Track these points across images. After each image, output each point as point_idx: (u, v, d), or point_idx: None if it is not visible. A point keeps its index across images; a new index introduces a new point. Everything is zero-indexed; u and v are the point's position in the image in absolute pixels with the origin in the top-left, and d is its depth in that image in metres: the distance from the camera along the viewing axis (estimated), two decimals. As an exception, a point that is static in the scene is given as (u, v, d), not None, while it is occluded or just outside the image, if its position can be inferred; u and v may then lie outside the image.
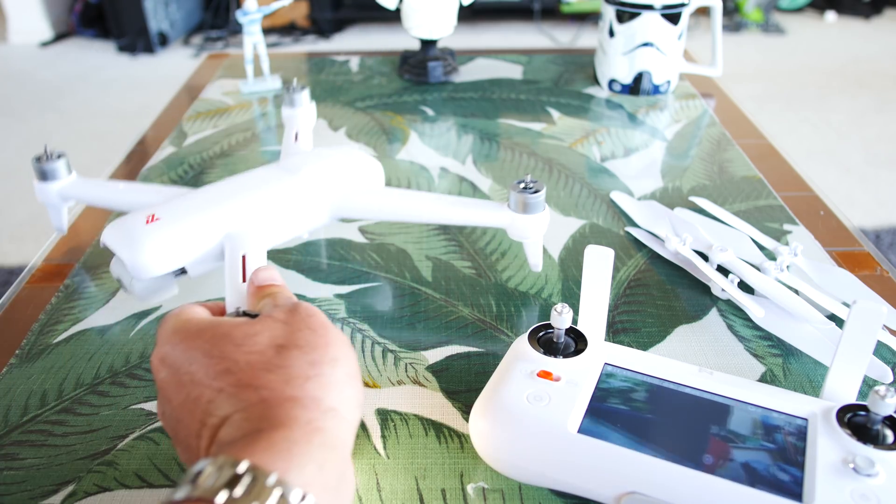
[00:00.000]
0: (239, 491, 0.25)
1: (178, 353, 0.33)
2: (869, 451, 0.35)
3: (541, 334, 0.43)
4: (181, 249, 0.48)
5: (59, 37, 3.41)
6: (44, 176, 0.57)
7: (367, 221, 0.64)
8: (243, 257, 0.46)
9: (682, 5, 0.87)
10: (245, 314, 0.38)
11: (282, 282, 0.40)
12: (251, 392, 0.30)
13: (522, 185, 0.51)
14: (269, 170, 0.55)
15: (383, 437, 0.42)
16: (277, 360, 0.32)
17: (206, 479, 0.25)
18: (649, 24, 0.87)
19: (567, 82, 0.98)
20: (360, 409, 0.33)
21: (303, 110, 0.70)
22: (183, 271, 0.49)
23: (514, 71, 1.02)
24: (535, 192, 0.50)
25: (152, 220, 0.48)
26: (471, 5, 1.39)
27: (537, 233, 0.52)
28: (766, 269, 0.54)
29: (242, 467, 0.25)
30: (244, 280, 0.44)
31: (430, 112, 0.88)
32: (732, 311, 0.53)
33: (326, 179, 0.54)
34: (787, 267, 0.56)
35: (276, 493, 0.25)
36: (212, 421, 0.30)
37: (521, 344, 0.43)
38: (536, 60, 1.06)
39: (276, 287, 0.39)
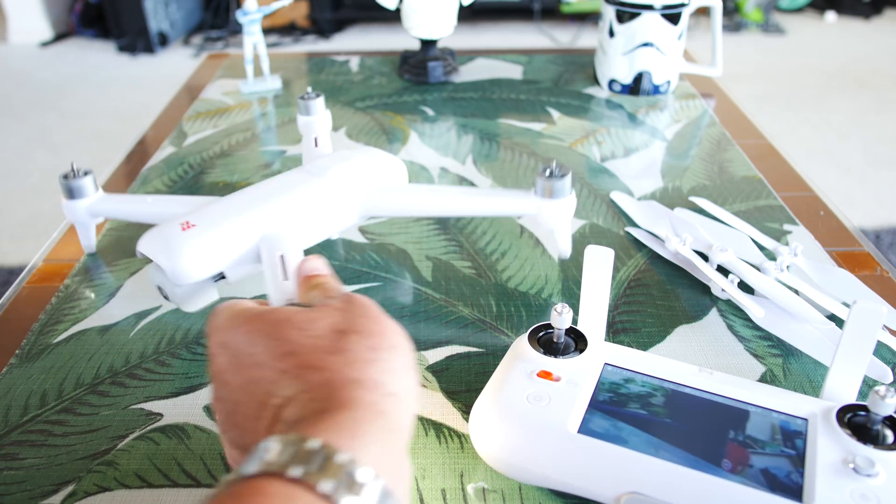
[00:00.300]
0: (313, 467, 0.25)
1: (239, 336, 0.34)
2: (869, 451, 0.35)
3: (541, 334, 0.43)
4: (219, 254, 0.48)
5: (59, 37, 3.41)
6: (72, 194, 0.57)
7: (384, 219, 0.64)
8: (281, 256, 0.46)
9: (682, 5, 0.87)
10: (296, 306, 0.38)
11: (328, 271, 0.40)
12: (315, 373, 0.31)
13: (548, 172, 0.52)
14: (296, 174, 0.55)
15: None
16: (339, 343, 0.32)
17: (278, 455, 0.25)
18: (649, 24, 0.87)
19: (567, 82, 0.98)
20: (416, 399, 0.33)
21: (318, 118, 0.69)
22: (222, 276, 0.50)
23: (514, 71, 1.02)
24: (561, 176, 0.52)
25: (188, 226, 0.48)
26: (471, 5, 1.38)
27: (565, 217, 0.54)
28: (766, 269, 0.54)
29: (314, 444, 0.25)
30: (286, 278, 0.44)
31: (430, 112, 0.88)
32: (732, 311, 0.53)
33: (353, 180, 0.55)
34: (787, 267, 0.56)
35: (346, 470, 0.25)
36: (274, 401, 0.31)
37: (521, 344, 0.43)
38: (536, 60, 1.06)
39: (323, 277, 0.39)
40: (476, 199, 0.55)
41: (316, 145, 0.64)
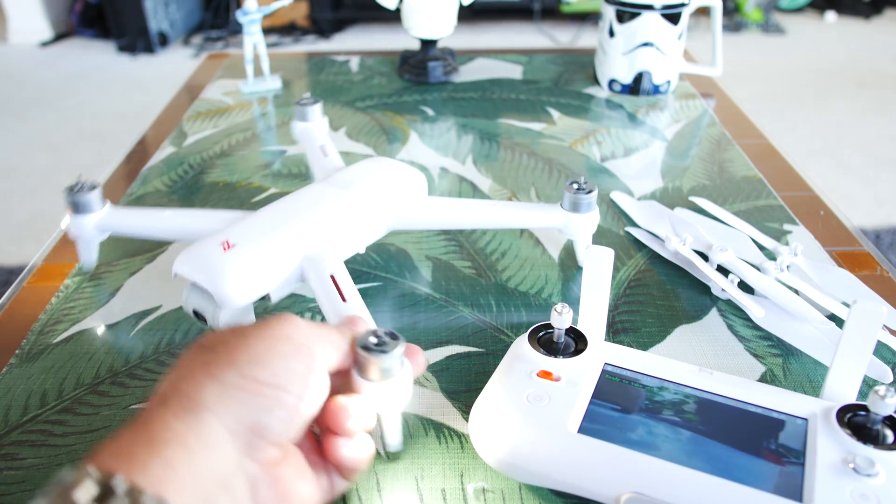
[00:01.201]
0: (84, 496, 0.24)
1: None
2: (869, 451, 0.35)
3: (541, 334, 0.43)
4: (266, 275, 0.45)
5: (59, 37, 3.41)
6: (79, 209, 0.53)
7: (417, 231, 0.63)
8: (332, 277, 0.45)
9: (682, 5, 0.87)
10: (378, 335, 0.36)
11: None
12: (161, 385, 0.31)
13: (576, 186, 0.53)
14: (322, 188, 0.53)
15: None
16: (195, 356, 0.32)
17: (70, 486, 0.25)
18: (649, 24, 0.87)
19: (567, 82, 0.98)
20: (237, 419, 0.30)
21: (316, 124, 0.68)
22: (262, 297, 0.47)
23: (514, 71, 1.02)
24: (589, 192, 0.53)
25: (228, 246, 0.45)
26: (471, 5, 1.38)
27: (589, 231, 0.55)
28: (766, 269, 0.54)
29: (93, 474, 0.25)
30: (344, 300, 0.43)
31: (430, 112, 0.88)
32: (732, 311, 0.53)
33: (382, 193, 0.53)
34: (787, 267, 0.56)
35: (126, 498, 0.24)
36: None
37: (521, 344, 0.43)
38: (536, 60, 1.06)
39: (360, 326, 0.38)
40: (504, 212, 0.55)
41: (325, 154, 0.63)
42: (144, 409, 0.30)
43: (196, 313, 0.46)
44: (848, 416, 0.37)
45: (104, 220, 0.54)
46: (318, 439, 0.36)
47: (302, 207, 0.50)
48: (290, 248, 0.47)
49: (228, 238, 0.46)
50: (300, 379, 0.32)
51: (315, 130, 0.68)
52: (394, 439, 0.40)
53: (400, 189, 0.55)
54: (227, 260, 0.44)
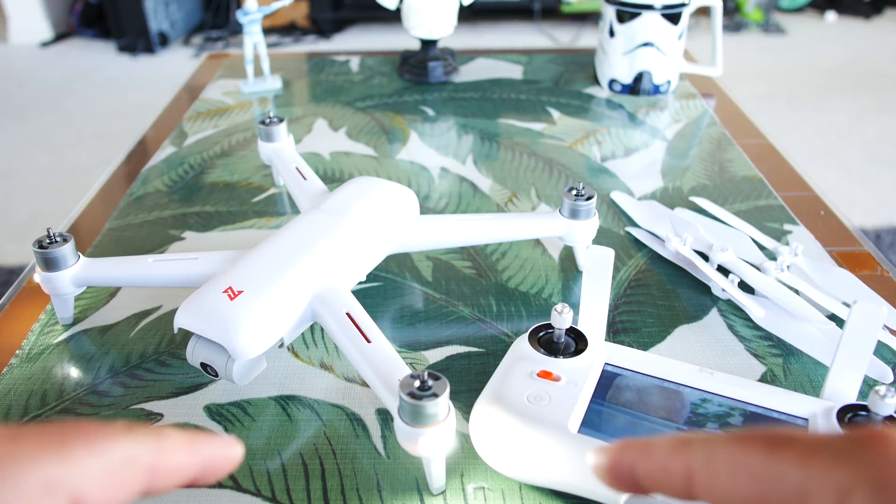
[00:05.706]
0: None
1: None
2: (869, 451, 0.35)
3: (541, 334, 0.43)
4: (279, 320, 0.42)
5: (59, 37, 3.41)
6: (50, 265, 0.48)
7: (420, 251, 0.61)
8: (348, 315, 0.42)
9: (683, 5, 0.87)
10: (422, 379, 0.34)
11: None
12: None
13: (574, 193, 0.53)
14: (318, 217, 0.50)
15: (383, 437, 0.42)
16: None
17: None
18: (649, 24, 0.87)
19: (567, 82, 0.98)
20: None
21: (285, 144, 0.66)
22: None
23: (514, 71, 1.02)
24: (588, 198, 0.53)
25: (235, 294, 0.42)
26: (471, 5, 1.38)
27: (589, 237, 0.55)
28: (766, 269, 0.54)
29: None
30: (368, 340, 0.41)
31: (430, 112, 0.88)
32: (733, 311, 0.53)
33: (379, 217, 0.51)
34: (788, 267, 0.56)
35: None
36: None
37: (522, 344, 0.43)
38: (536, 60, 1.06)
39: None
40: (504, 225, 0.53)
41: (304, 177, 0.60)
42: None
43: (204, 365, 0.43)
44: (848, 416, 0.37)
45: (80, 273, 0.49)
46: None
47: (303, 241, 0.47)
48: (301, 287, 0.44)
49: (231, 284, 0.42)
50: None
51: (286, 151, 0.65)
52: (439, 482, 0.38)
53: (396, 211, 0.53)
54: (237, 310, 0.41)
